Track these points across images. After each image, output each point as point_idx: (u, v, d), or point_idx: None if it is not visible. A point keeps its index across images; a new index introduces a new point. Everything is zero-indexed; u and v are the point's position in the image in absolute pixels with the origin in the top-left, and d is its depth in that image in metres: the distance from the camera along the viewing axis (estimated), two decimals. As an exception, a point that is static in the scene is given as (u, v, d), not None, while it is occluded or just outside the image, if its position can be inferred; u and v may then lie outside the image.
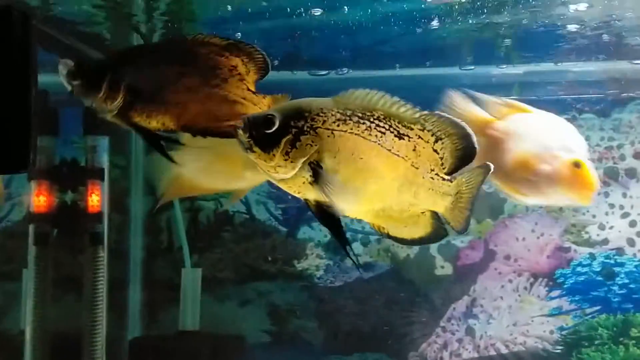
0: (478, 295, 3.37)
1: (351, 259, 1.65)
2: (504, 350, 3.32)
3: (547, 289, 3.35)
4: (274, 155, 1.42)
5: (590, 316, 3.30)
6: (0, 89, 1.68)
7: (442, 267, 3.44)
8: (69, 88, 1.73)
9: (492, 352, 3.32)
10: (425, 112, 1.49)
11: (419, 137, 1.49)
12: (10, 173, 1.69)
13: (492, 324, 3.35)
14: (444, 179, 1.54)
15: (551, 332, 3.32)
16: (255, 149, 1.43)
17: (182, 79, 1.68)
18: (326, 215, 1.47)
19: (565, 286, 3.34)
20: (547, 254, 3.37)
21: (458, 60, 3.36)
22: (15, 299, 3.11)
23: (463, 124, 1.53)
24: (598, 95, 3.44)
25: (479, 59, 3.38)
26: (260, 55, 1.70)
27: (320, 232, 3.57)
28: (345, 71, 3.32)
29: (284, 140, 1.41)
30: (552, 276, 3.36)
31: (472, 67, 3.38)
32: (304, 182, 1.44)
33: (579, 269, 3.33)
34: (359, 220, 3.55)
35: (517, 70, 3.41)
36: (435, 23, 2.92)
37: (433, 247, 3.48)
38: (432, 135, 1.50)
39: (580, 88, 3.42)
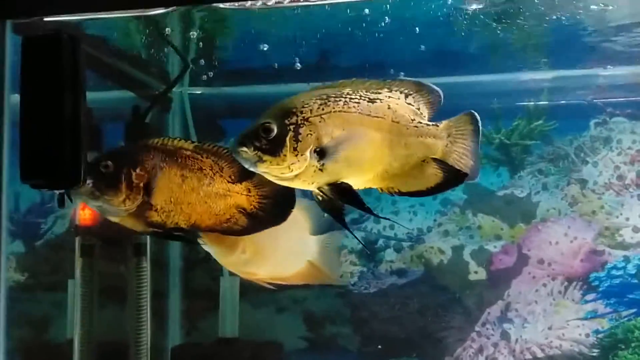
0: (512, 299, 3.38)
1: (373, 213, 1.73)
2: (539, 354, 3.33)
3: (581, 292, 3.36)
4: (285, 155, 1.52)
5: (626, 319, 3.29)
6: (52, 110, 1.77)
7: (476, 272, 3.46)
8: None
9: (528, 356, 3.33)
10: (388, 80, 1.60)
11: (389, 97, 1.60)
12: (64, 189, 1.78)
13: (527, 328, 3.36)
14: (428, 125, 1.62)
15: (587, 335, 3.32)
16: (265, 157, 1.53)
17: (185, 180, 1.81)
18: (340, 190, 1.57)
19: (600, 289, 3.34)
20: (581, 258, 3.37)
21: (486, 67, 3.40)
22: (60, 308, 3.21)
23: (426, 82, 1.63)
24: (629, 98, 3.44)
25: (508, 65, 3.41)
26: (224, 150, 1.83)
27: (353, 240, 3.62)
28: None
29: (287, 138, 1.52)
30: (586, 280, 3.36)
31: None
32: (315, 171, 1.55)
33: (613, 272, 3.33)
34: (392, 227, 3.64)
35: (546, 75, 3.43)
36: (462, 28, 2.95)
37: (466, 253, 3.51)
38: (400, 93, 1.61)
39: (610, 92, 3.43)
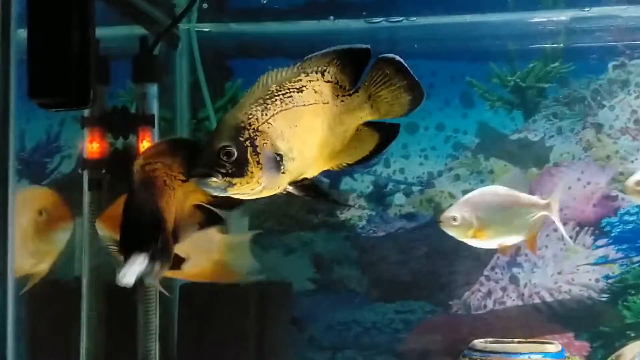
0: (522, 244, 3.34)
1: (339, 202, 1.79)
2: (548, 299, 3.33)
3: (593, 237, 3.33)
4: (252, 172, 1.53)
5: (637, 264, 3.27)
6: (61, 28, 1.71)
7: (487, 216, 3.42)
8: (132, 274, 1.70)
9: (537, 300, 3.33)
10: (298, 63, 1.64)
11: (309, 81, 1.63)
12: (72, 109, 1.74)
13: (537, 273, 3.35)
14: (350, 95, 1.68)
15: (597, 280, 3.30)
16: (235, 180, 1.53)
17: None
18: (305, 187, 1.64)
19: (612, 235, 3.31)
20: (594, 203, 3.33)
21: (501, 6, 3.31)
22: (67, 246, 3.19)
23: (329, 49, 1.65)
24: (649, 40, 3.36)
25: (521, 4, 3.32)
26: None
27: (362, 183, 3.59)
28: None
29: (248, 155, 1.53)
30: (598, 225, 3.33)
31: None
32: (278, 176, 1.59)
33: (626, 217, 3.29)
34: (402, 171, 3.60)
35: (562, 16, 3.34)
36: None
37: (477, 197, 3.47)
38: (316, 73, 1.63)
39: (630, 34, 3.34)
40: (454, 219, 2.77)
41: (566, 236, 3.04)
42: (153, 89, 2.63)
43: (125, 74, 3.00)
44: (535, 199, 2.87)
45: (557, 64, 3.38)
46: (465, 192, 3.47)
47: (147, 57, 2.62)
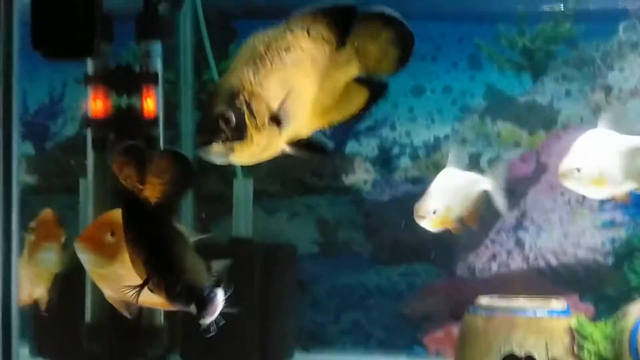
0: (528, 208, 3.35)
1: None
2: (553, 262, 3.32)
3: (599, 201, 3.31)
4: (251, 135, 1.53)
5: (644, 228, 3.26)
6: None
7: (492, 180, 3.40)
8: None
9: (542, 263, 3.33)
10: (284, 23, 1.61)
11: (296, 39, 1.61)
12: (76, 58, 1.71)
13: (542, 236, 3.34)
14: (337, 50, 1.64)
15: (603, 243, 3.29)
16: (236, 145, 1.53)
17: None
18: (301, 146, 1.63)
19: (619, 198, 3.29)
20: (602, 166, 3.30)
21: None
22: (72, 210, 3.19)
23: (314, 6, 1.62)
24: (661, 1, 3.29)
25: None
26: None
27: (368, 147, 3.57)
28: None
29: (246, 118, 1.53)
30: (605, 188, 3.30)
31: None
32: (275, 137, 1.57)
33: (634, 181, 3.26)
34: (407, 134, 3.56)
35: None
36: None
37: (483, 161, 3.45)
38: (302, 30, 1.61)
39: (641, -5, 3.28)
40: (434, 212, 2.74)
41: (502, 208, 2.91)
42: (157, 47, 2.60)
43: (129, 35, 2.96)
44: (477, 176, 2.87)
45: (566, 25, 3.33)
46: (472, 155, 3.46)
47: (150, 14, 2.58)
